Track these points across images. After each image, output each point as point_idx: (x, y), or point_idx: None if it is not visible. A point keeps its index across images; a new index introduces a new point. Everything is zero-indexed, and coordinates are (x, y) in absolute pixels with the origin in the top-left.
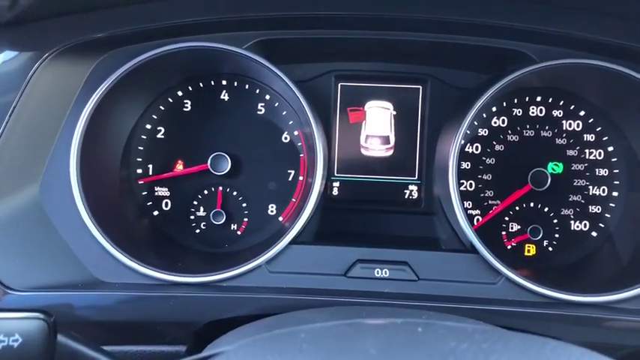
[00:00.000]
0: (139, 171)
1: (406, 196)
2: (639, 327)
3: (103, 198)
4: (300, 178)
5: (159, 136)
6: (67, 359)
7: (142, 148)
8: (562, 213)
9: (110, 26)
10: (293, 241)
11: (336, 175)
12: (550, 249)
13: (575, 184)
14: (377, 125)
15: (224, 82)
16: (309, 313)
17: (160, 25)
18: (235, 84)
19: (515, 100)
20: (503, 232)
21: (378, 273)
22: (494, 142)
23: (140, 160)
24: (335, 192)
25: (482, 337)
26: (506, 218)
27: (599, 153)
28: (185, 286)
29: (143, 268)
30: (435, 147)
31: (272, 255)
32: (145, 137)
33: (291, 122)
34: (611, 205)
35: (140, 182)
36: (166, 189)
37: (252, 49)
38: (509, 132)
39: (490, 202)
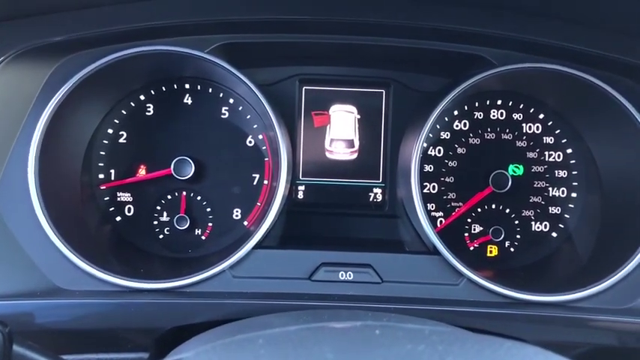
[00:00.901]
0: (101, 176)
1: (370, 199)
2: (596, 325)
3: (64, 204)
4: (265, 182)
5: (121, 140)
6: None
7: (103, 152)
8: (523, 214)
9: (69, 29)
10: (257, 246)
11: (301, 178)
12: (512, 250)
13: (535, 185)
14: (341, 129)
15: (187, 86)
16: (270, 318)
17: (121, 28)
18: (199, 88)
19: (477, 104)
20: (466, 234)
21: (342, 276)
22: (457, 145)
23: (102, 165)
24: (300, 195)
25: (438, 339)
26: (469, 220)
27: (558, 155)
28: (147, 293)
29: (105, 275)
30: (399, 150)
31: (236, 260)
32: (106, 142)
33: (255, 126)
34: (570, 205)
35: (102, 188)
36: (129, 194)
37: (214, 53)
38: (471, 135)
39: (453, 204)
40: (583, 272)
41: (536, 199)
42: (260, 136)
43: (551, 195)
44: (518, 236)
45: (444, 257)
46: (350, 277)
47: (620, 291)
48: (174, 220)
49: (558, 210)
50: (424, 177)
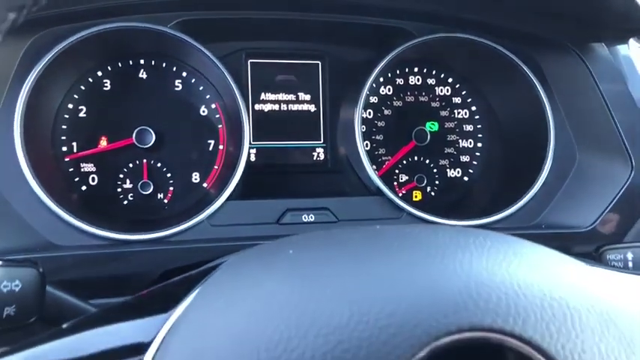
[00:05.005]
0: (64, 149)
1: (314, 158)
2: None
3: (48, 171)
4: (221, 147)
5: (81, 115)
6: (55, 307)
7: (65, 127)
8: (440, 163)
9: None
10: (228, 199)
11: (252, 142)
12: (433, 193)
13: (448, 139)
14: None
15: (142, 62)
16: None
17: (79, 8)
18: (153, 63)
19: (398, 71)
20: (395, 183)
21: (305, 218)
22: (383, 108)
23: (64, 138)
24: (252, 158)
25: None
26: (397, 171)
27: (465, 112)
28: (137, 243)
29: (95, 230)
30: (338, 114)
31: (212, 211)
32: (67, 116)
33: (208, 96)
34: (477, 154)
35: (66, 159)
36: (92, 165)
37: (174, 29)
38: (395, 98)
39: (383, 158)
40: (494, 203)
41: (449, 150)
42: (213, 106)
43: (461, 146)
44: (437, 182)
45: (387, 197)
46: (312, 218)
47: (525, 212)
48: (139, 185)
49: (468, 158)
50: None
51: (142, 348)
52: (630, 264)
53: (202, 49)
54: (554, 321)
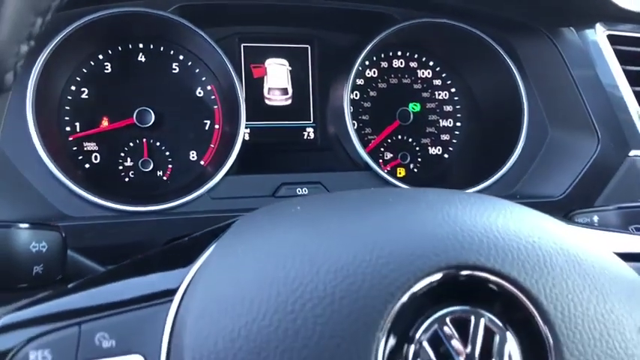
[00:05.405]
0: (68, 128)
1: (305, 137)
2: None
3: (57, 146)
4: (217, 126)
5: (83, 96)
6: (74, 268)
7: (68, 108)
8: (422, 142)
9: None
10: (226, 174)
11: (246, 122)
12: (415, 170)
13: (429, 118)
14: (276, 79)
15: (141, 46)
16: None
17: None
18: (151, 47)
19: (382, 55)
20: (380, 160)
21: (299, 191)
22: (369, 89)
23: (68, 118)
24: (246, 137)
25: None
26: (382, 149)
27: (445, 94)
28: (144, 214)
29: (105, 202)
30: (327, 95)
31: (212, 185)
32: (70, 98)
33: (203, 78)
34: (456, 133)
35: (70, 139)
36: (94, 144)
37: (174, 14)
38: (379, 81)
39: (369, 137)
40: (472, 177)
41: (431, 129)
42: (209, 87)
43: (442, 125)
44: (419, 159)
45: (374, 171)
46: (305, 191)
47: (502, 184)
48: (139, 163)
49: (448, 137)
50: None
51: (170, 293)
52: (596, 224)
53: (201, 32)
54: (529, 260)
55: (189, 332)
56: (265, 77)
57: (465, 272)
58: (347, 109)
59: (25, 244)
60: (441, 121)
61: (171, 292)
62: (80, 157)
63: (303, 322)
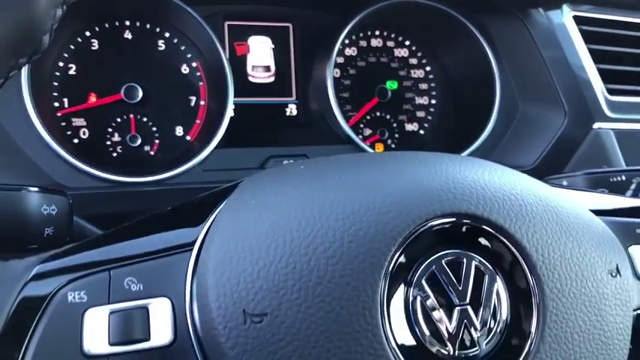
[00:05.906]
0: (56, 104)
1: (287, 114)
2: None
3: (52, 119)
4: (202, 102)
5: (71, 72)
6: (79, 233)
7: (56, 84)
8: (399, 118)
9: None
10: (216, 148)
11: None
12: (393, 145)
13: (406, 96)
14: (259, 56)
15: (127, 23)
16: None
17: None
18: (137, 24)
19: (361, 34)
20: (360, 136)
21: (285, 163)
22: (349, 68)
23: (56, 94)
24: (232, 113)
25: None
26: (362, 125)
27: (421, 72)
28: (140, 184)
29: (101, 173)
30: (309, 73)
31: (203, 157)
32: (58, 74)
33: (189, 55)
34: (431, 110)
35: (58, 114)
36: (82, 119)
37: None
38: (359, 59)
39: (349, 113)
40: (448, 150)
41: (407, 107)
42: (194, 64)
43: (417, 103)
44: (396, 135)
45: (357, 144)
46: None
47: (477, 155)
48: (127, 138)
49: (423, 114)
50: None
51: (190, 242)
52: None
53: (189, 9)
54: (513, 209)
55: (212, 274)
56: (248, 55)
57: (456, 220)
58: (330, 86)
59: (37, 206)
60: (416, 98)
61: (192, 243)
62: (69, 132)
63: (317, 263)
